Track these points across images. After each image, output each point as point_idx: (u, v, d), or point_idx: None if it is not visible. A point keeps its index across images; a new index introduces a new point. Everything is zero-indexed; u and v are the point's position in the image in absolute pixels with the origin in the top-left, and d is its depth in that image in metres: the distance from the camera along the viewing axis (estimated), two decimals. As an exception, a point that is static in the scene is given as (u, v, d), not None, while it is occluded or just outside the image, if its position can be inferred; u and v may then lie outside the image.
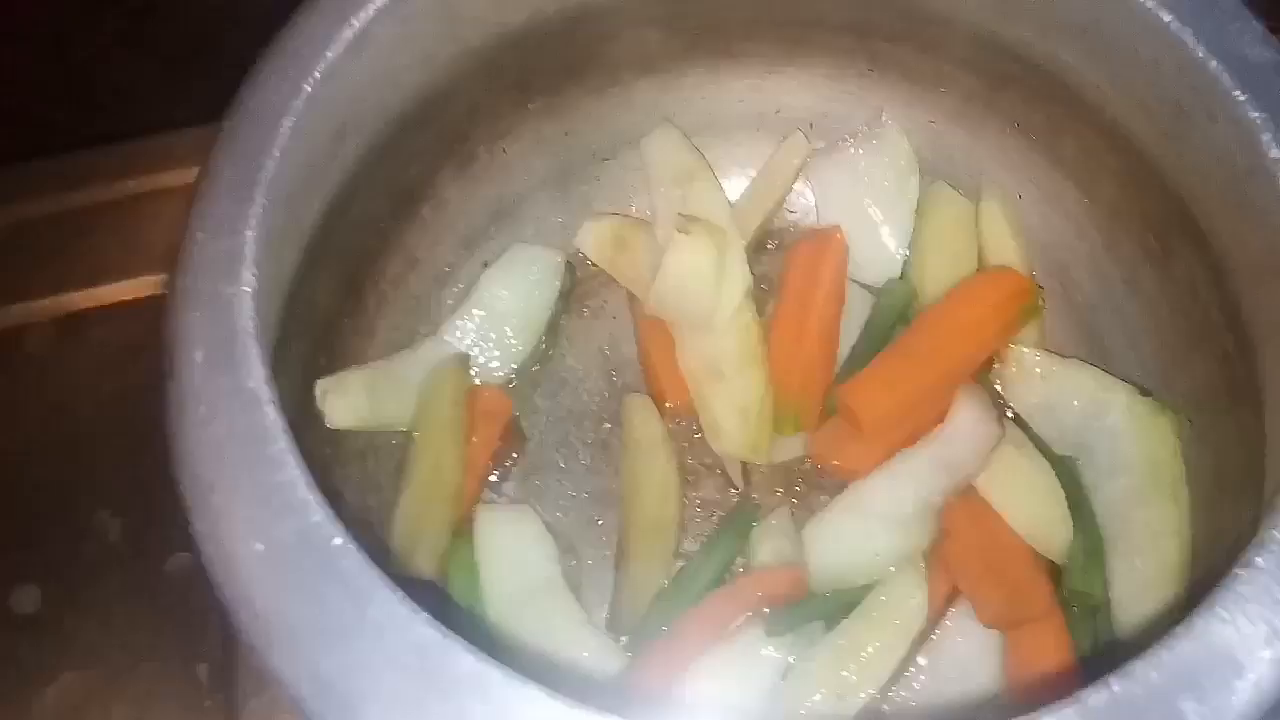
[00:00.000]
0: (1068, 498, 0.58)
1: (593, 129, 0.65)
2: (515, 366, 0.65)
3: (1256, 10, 0.41)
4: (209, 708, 0.64)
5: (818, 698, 0.53)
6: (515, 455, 0.64)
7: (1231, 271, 0.48)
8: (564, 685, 0.29)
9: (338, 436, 0.57)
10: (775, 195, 0.66)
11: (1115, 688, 0.30)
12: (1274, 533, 0.32)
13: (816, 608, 0.57)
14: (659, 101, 0.65)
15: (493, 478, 0.63)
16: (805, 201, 0.68)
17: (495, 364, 0.64)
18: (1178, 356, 0.56)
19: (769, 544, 0.59)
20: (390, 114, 0.50)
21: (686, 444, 0.63)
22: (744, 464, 0.62)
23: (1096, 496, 0.58)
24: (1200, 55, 0.40)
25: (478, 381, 0.63)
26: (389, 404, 0.60)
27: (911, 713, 0.52)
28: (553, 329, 0.66)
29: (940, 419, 0.59)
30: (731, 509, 0.62)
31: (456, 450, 0.59)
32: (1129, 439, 0.57)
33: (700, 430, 0.62)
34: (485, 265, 0.65)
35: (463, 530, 0.59)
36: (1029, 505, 0.57)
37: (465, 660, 0.30)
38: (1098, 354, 0.61)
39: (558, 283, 0.66)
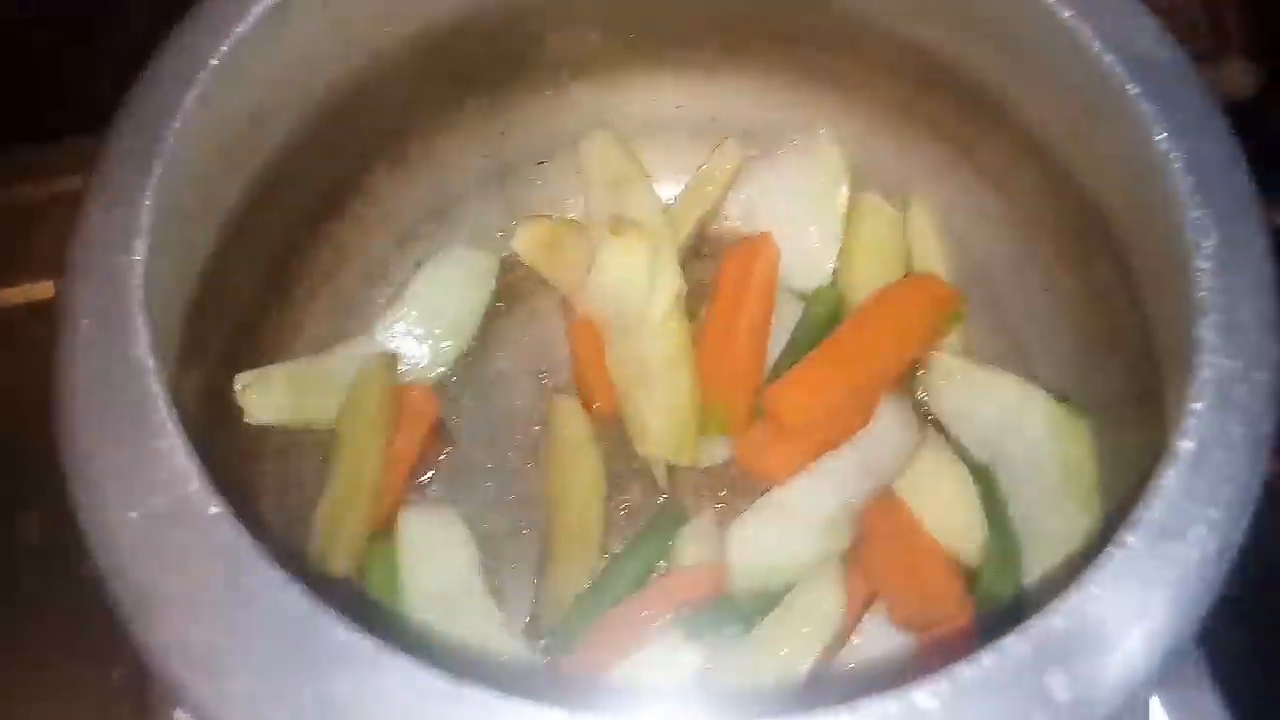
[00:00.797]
0: (985, 503, 0.58)
1: (530, 130, 0.65)
2: (445, 368, 0.65)
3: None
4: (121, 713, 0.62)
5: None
6: (443, 456, 0.63)
7: (1137, 271, 0.49)
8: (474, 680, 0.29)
9: (257, 432, 0.57)
10: (708, 201, 0.66)
11: (985, 661, 0.30)
12: (1145, 513, 0.32)
13: (734, 610, 0.57)
14: (596, 104, 0.66)
15: (420, 479, 0.63)
16: (741, 209, 0.68)
17: (424, 363, 0.64)
18: (1095, 361, 0.57)
19: (693, 547, 0.59)
20: (315, 102, 0.50)
21: (613, 448, 0.63)
22: (670, 468, 0.62)
23: (1014, 501, 0.58)
24: (1097, 49, 0.41)
25: (407, 380, 0.63)
26: (313, 401, 0.60)
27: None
28: (484, 330, 0.66)
29: (864, 423, 0.59)
30: (656, 513, 0.62)
31: (379, 449, 0.59)
32: (1045, 444, 0.58)
33: (628, 435, 0.62)
34: (418, 264, 0.65)
35: (383, 531, 0.59)
36: (945, 510, 0.57)
37: (337, 631, 0.30)
38: (1019, 359, 0.61)
39: (491, 285, 0.66)
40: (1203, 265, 0.37)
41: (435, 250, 0.65)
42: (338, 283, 0.62)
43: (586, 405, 0.63)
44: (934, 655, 0.52)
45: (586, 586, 0.59)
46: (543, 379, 0.65)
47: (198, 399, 0.50)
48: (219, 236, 0.48)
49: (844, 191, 0.65)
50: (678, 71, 0.64)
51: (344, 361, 0.61)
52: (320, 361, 0.61)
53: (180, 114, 0.38)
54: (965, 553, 0.57)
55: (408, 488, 0.62)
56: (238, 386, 0.56)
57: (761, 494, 0.60)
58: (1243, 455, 0.33)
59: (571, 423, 0.62)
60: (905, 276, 0.64)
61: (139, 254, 0.35)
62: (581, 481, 0.61)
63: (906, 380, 0.62)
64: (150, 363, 0.33)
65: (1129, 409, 0.53)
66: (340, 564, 0.56)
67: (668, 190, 0.67)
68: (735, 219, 0.69)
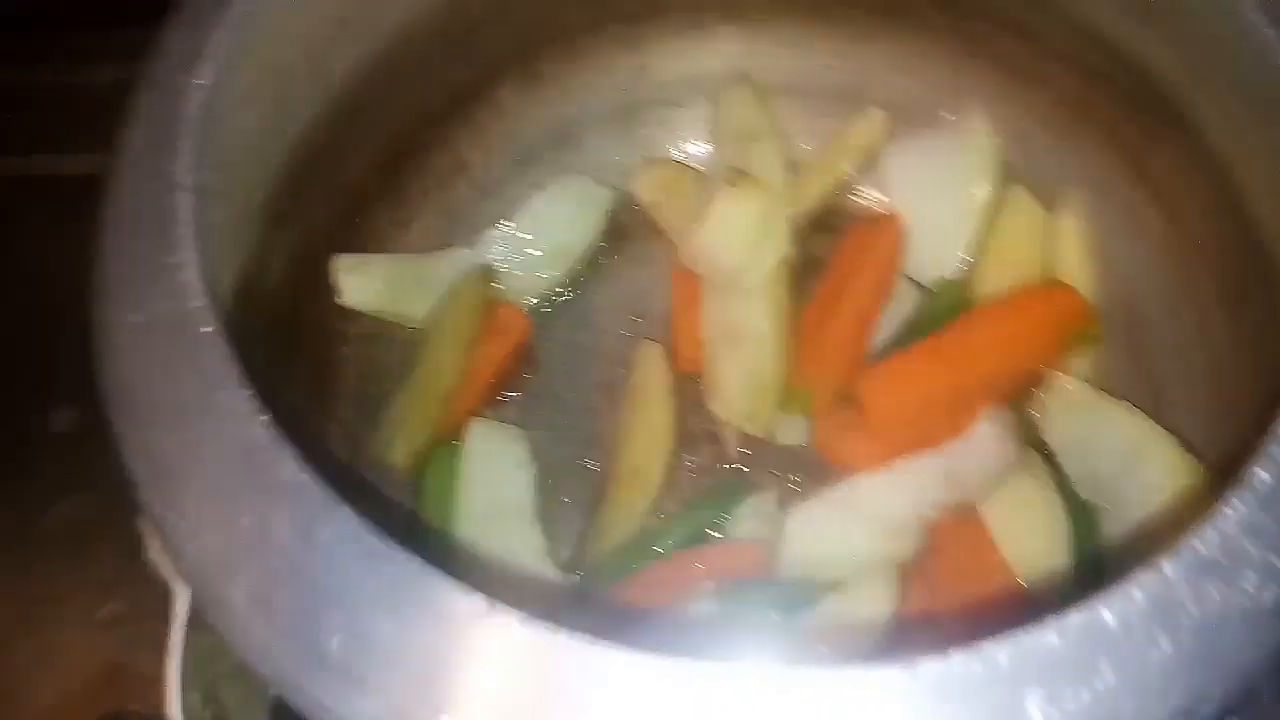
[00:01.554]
0: (1078, 544, 0.52)
1: (668, 69, 0.64)
2: (543, 293, 0.64)
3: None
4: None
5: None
6: (524, 380, 0.63)
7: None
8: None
9: (347, 314, 0.58)
10: (840, 171, 0.63)
11: (954, 660, 0.26)
12: (1193, 541, 0.28)
13: (777, 594, 0.53)
14: (740, 52, 0.63)
15: (498, 397, 0.62)
16: (876, 184, 0.64)
17: (523, 286, 0.64)
18: (1235, 417, 0.50)
19: (750, 522, 0.56)
20: None
21: (691, 406, 0.61)
22: (748, 441, 0.59)
23: (1113, 551, 0.52)
24: (1254, 19, 0.35)
25: (503, 298, 0.63)
26: (407, 297, 0.60)
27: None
28: (589, 264, 0.65)
29: (959, 430, 0.55)
30: (722, 480, 0.59)
31: (461, 356, 0.59)
32: (1163, 496, 0.51)
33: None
34: (534, 187, 0.65)
35: (450, 438, 0.59)
36: (1030, 542, 0.52)
37: (289, 468, 0.29)
38: (1151, 399, 0.55)
39: (603, 220, 0.65)
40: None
41: (554, 176, 0.64)
42: (451, 189, 0.62)
43: (673, 357, 0.61)
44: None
45: (634, 534, 0.57)
46: (637, 323, 0.64)
47: (288, 261, 0.51)
48: (328, 108, 0.49)
49: (990, 181, 0.60)
50: (831, 29, 0.61)
51: (445, 266, 0.61)
52: (421, 261, 0.61)
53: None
54: (1042, 594, 0.52)
55: (483, 402, 0.62)
56: (336, 267, 0.57)
57: (833, 482, 0.56)
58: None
59: (654, 371, 0.60)
60: (1041, 283, 0.58)
61: (203, 78, 0.36)
62: (651, 430, 0.59)
63: (1020, 396, 0.57)
64: (184, 181, 0.33)
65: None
66: (401, 456, 0.57)
67: (800, 152, 0.64)
68: (868, 194, 0.65)
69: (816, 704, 0.26)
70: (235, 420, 0.30)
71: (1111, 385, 0.57)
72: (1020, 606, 0.51)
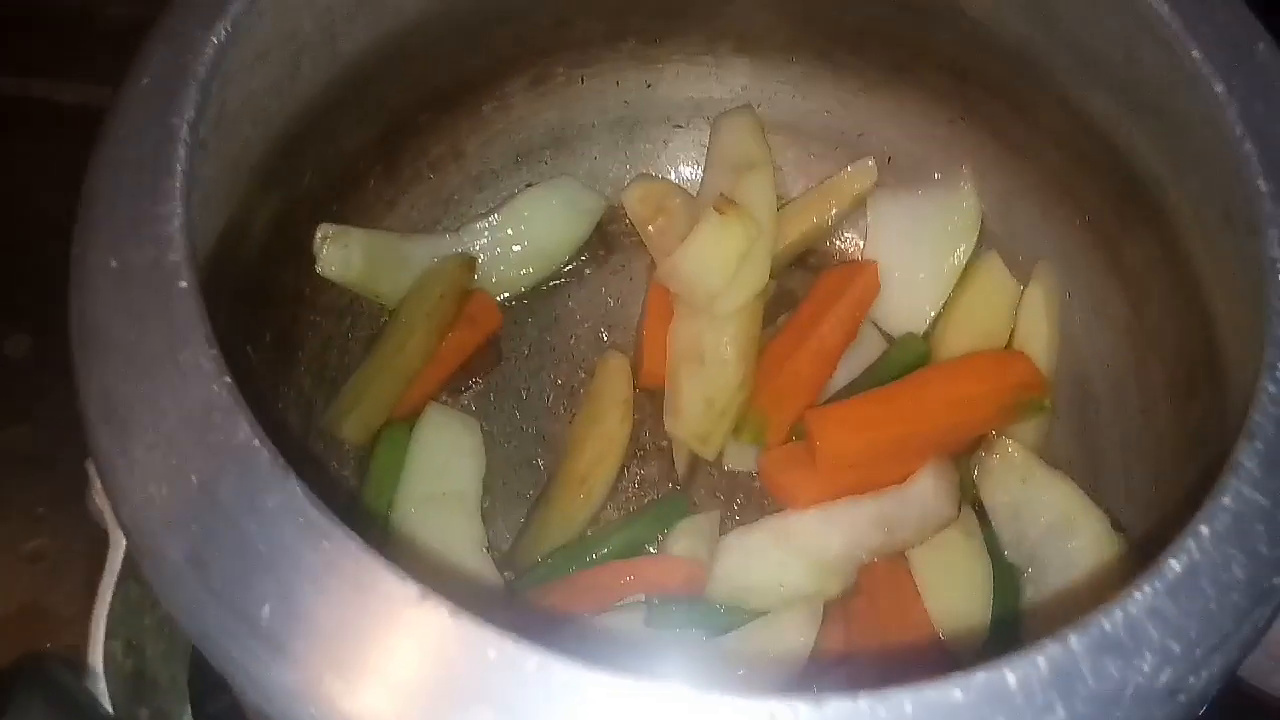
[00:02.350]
0: (997, 605, 0.54)
1: (676, 91, 0.65)
2: (520, 290, 0.65)
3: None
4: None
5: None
6: (488, 371, 0.64)
7: (1238, 420, 0.44)
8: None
9: (322, 283, 0.58)
10: (827, 213, 0.64)
11: (862, 701, 0.27)
12: (1100, 619, 0.29)
13: (702, 614, 0.54)
14: (748, 85, 0.64)
15: (459, 386, 0.63)
16: (860, 232, 0.66)
17: (501, 280, 0.64)
18: (1166, 505, 0.52)
19: (687, 541, 0.57)
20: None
21: (648, 421, 0.62)
22: (695, 460, 0.60)
23: (1029, 614, 0.54)
24: (1239, 134, 0.37)
25: (479, 289, 0.64)
26: (385, 275, 0.61)
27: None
28: (569, 267, 0.66)
29: (900, 479, 0.56)
30: (666, 495, 0.60)
31: (428, 339, 0.60)
32: (1084, 571, 0.53)
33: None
34: (529, 185, 0.65)
35: (402, 418, 0.59)
36: (953, 594, 0.54)
37: (244, 432, 0.30)
38: (1090, 476, 0.56)
39: (590, 227, 0.66)
40: (1269, 389, 0.32)
41: (549, 177, 0.65)
42: (445, 175, 0.63)
43: (637, 370, 0.62)
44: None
45: (572, 539, 0.58)
46: (605, 333, 0.65)
47: (270, 222, 0.51)
48: (336, 79, 0.49)
49: (968, 245, 0.62)
50: (837, 76, 0.62)
51: (427, 249, 0.62)
52: (404, 241, 0.62)
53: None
54: (958, 647, 0.53)
55: (443, 389, 0.63)
56: (319, 235, 0.57)
57: (773, 513, 0.57)
58: (1233, 600, 0.29)
59: (616, 380, 0.61)
60: (1001, 350, 0.60)
61: (219, 36, 0.36)
62: (605, 440, 0.60)
63: (965, 454, 0.58)
64: (183, 133, 0.34)
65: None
66: (351, 431, 0.57)
67: (791, 191, 0.65)
68: (851, 240, 0.66)
69: (722, 729, 0.27)
70: (197, 378, 0.30)
71: (1054, 456, 0.58)
72: (935, 658, 0.52)
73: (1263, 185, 0.36)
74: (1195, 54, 0.38)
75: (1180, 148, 0.44)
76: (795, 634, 0.53)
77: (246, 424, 0.30)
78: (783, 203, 0.65)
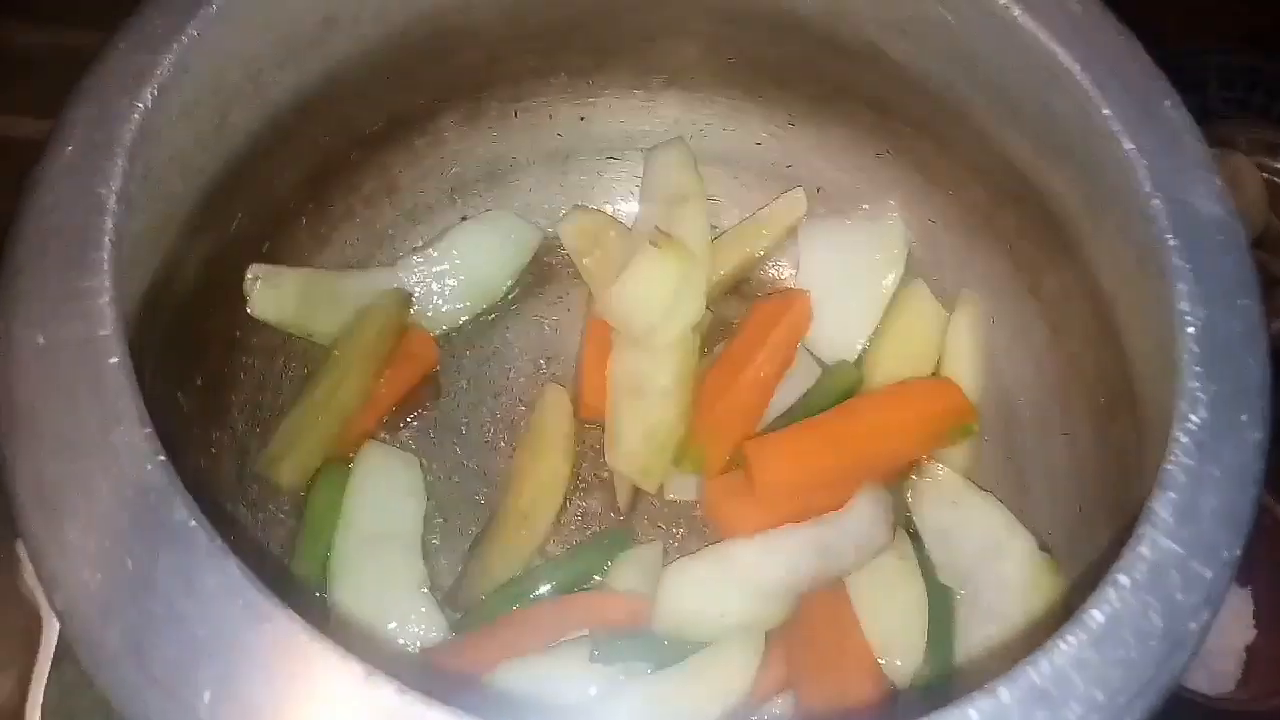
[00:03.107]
0: (933, 627, 0.55)
1: (609, 124, 0.65)
2: (456, 324, 0.65)
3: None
4: None
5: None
6: (425, 407, 0.63)
7: (1154, 444, 0.46)
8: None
9: (255, 324, 0.58)
10: (759, 243, 0.65)
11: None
12: (1027, 670, 0.30)
13: (647, 647, 0.55)
14: (680, 118, 0.65)
15: (397, 422, 0.63)
16: (792, 261, 0.67)
17: (438, 315, 0.64)
18: (1091, 522, 0.54)
19: (629, 573, 0.58)
20: (398, 26, 0.51)
21: (589, 453, 0.62)
22: (636, 492, 0.61)
23: (962, 635, 0.55)
24: (1147, 190, 0.39)
25: (416, 324, 0.63)
26: (319, 314, 0.60)
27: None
28: (505, 301, 0.66)
29: (837, 506, 0.57)
30: (609, 528, 0.61)
31: (365, 377, 0.59)
32: (1016, 591, 0.55)
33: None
34: (464, 218, 0.65)
35: (339, 457, 0.59)
36: (890, 622, 0.55)
37: (179, 512, 0.29)
38: (1017, 496, 0.58)
39: (526, 259, 0.66)
40: (1181, 439, 0.34)
41: (484, 210, 0.65)
42: (377, 211, 0.62)
43: (577, 403, 0.62)
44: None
45: (515, 575, 0.58)
46: (544, 365, 0.65)
47: (201, 266, 0.51)
48: (265, 125, 0.48)
49: (897, 273, 0.63)
50: (766, 109, 0.63)
51: (360, 286, 0.62)
52: (338, 278, 0.61)
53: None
54: (895, 672, 0.55)
55: (381, 426, 0.62)
56: (249, 276, 0.57)
57: (714, 543, 0.58)
58: (1152, 647, 0.30)
59: (555, 414, 0.62)
60: (929, 376, 0.62)
61: (144, 102, 0.35)
62: (545, 473, 0.60)
63: (897, 479, 0.60)
64: (110, 203, 0.33)
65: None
66: (287, 476, 0.57)
67: (723, 221, 0.66)
68: (784, 269, 0.67)
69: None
70: (131, 457, 0.30)
71: (983, 478, 0.60)
72: (874, 685, 0.54)
73: (1171, 240, 0.38)
74: (1105, 111, 0.39)
75: (1094, 191, 0.46)
76: (738, 664, 0.54)
77: (182, 503, 0.29)
78: (716, 233, 0.66)
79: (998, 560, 0.56)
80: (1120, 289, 0.49)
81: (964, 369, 0.61)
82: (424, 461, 0.60)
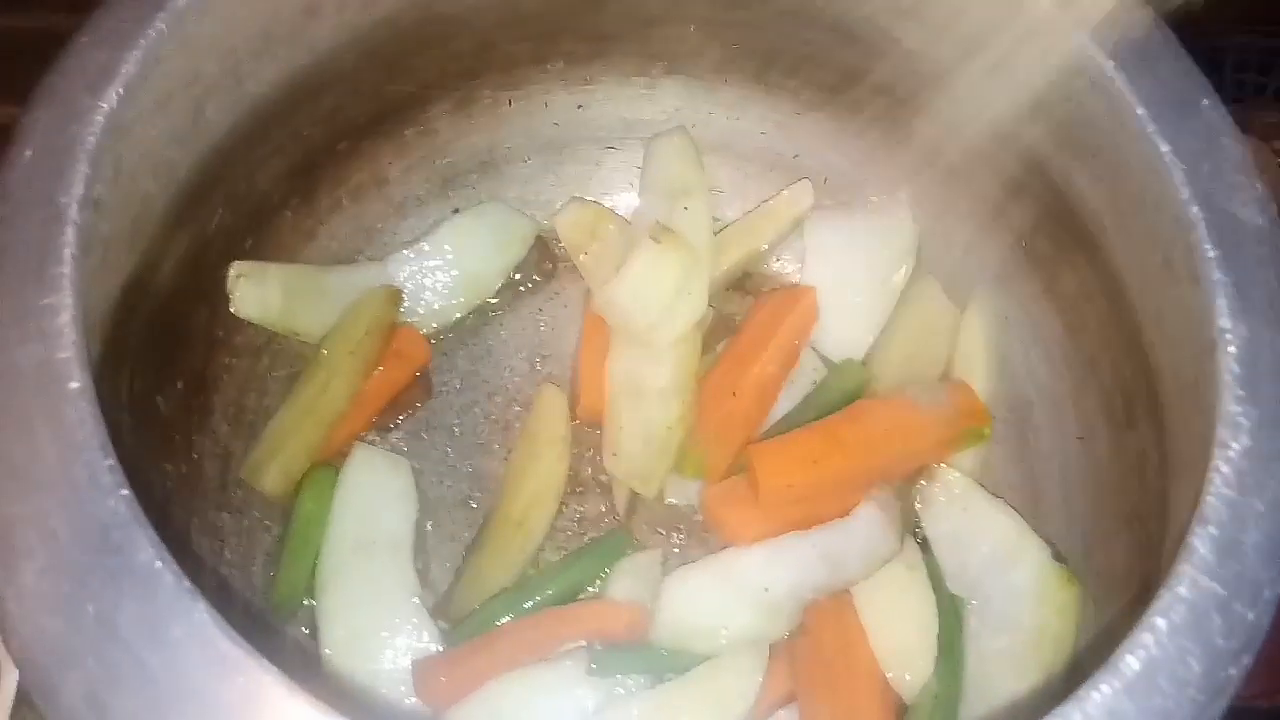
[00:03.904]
0: (942, 638, 0.53)
1: (607, 113, 0.63)
2: (449, 321, 0.62)
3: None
4: None
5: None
6: (416, 408, 0.61)
7: (1173, 454, 0.44)
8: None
9: (238, 323, 0.55)
10: (764, 238, 0.63)
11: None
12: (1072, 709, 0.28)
13: (646, 660, 0.53)
14: (681, 107, 0.63)
15: (387, 423, 0.60)
16: (798, 255, 0.64)
17: (429, 312, 0.62)
18: (1106, 530, 0.52)
19: (628, 581, 0.56)
20: (385, 13, 0.48)
21: (586, 454, 0.60)
22: (634, 497, 0.59)
23: (973, 646, 0.53)
24: (1185, 196, 0.36)
25: (406, 322, 0.61)
26: (305, 310, 0.58)
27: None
28: (500, 296, 0.63)
29: (843, 513, 0.55)
30: (606, 534, 0.59)
31: (353, 377, 0.57)
32: (1028, 601, 0.53)
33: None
34: (456, 211, 0.63)
35: (328, 461, 0.57)
36: (898, 631, 0.53)
37: (145, 552, 0.27)
38: (1030, 503, 0.56)
39: (521, 253, 0.63)
40: (1222, 469, 0.32)
41: (477, 202, 0.63)
42: (366, 204, 0.60)
43: (574, 404, 0.60)
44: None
45: (509, 584, 0.56)
46: (542, 363, 0.62)
47: (181, 263, 0.48)
48: (245, 117, 0.46)
49: (907, 268, 0.61)
50: (771, 97, 0.60)
51: (348, 282, 0.59)
52: (323, 274, 0.59)
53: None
54: (904, 685, 0.53)
55: (371, 428, 0.60)
56: (232, 273, 0.54)
57: (716, 550, 0.56)
58: (1190, 695, 0.28)
59: (551, 416, 0.59)
60: (941, 378, 0.59)
61: (108, 101, 0.33)
62: (541, 477, 0.58)
63: (905, 485, 0.58)
64: (71, 213, 0.31)
65: (1123, 593, 0.48)
66: (272, 482, 0.55)
67: (726, 214, 0.64)
68: (788, 264, 0.65)
69: None
70: (93, 492, 0.28)
71: (994, 481, 0.58)
72: (881, 699, 0.52)
73: (1210, 251, 0.36)
74: (1139, 111, 0.37)
75: (1120, 191, 0.44)
76: (740, 678, 0.52)
77: (148, 542, 0.27)
78: (719, 226, 0.63)
79: (1010, 569, 0.54)
80: (1144, 293, 0.46)
81: (976, 369, 0.59)
82: (415, 465, 0.58)
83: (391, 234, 0.62)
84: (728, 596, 0.54)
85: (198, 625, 0.26)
